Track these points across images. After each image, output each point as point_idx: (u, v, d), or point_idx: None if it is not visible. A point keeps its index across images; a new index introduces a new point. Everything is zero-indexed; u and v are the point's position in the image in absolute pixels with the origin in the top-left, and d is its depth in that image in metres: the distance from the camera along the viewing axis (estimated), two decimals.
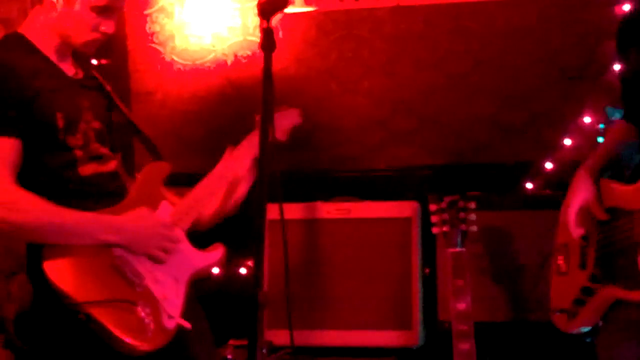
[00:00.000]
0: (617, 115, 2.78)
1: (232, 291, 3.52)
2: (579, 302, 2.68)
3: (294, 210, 3.68)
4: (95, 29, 2.48)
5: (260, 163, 2.07)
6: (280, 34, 2.11)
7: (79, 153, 2.42)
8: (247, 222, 2.58)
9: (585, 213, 2.68)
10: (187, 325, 2.40)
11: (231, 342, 3.52)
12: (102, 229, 2.35)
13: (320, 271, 3.70)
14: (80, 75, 2.57)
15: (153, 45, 4.21)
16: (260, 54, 2.17)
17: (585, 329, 2.70)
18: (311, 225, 3.73)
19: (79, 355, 2.33)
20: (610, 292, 2.58)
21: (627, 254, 2.53)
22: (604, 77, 3.70)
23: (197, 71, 4.22)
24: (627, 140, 2.71)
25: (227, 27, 4.20)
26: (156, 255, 2.43)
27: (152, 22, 4.22)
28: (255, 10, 2.15)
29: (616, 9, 3.72)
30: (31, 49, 2.46)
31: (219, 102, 4.22)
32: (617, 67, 3.67)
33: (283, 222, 2.22)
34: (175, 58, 4.23)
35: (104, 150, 2.50)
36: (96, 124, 2.50)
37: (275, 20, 2.13)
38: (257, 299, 2.03)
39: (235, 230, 2.69)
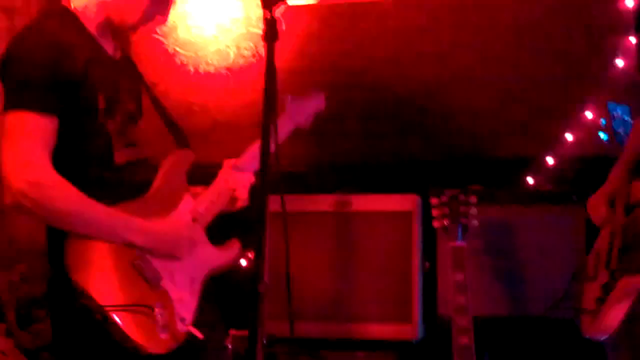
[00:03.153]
0: (618, 111, 2.78)
1: (232, 281, 3.52)
2: (600, 301, 2.66)
3: (295, 203, 3.66)
4: (151, 15, 2.42)
5: (263, 154, 2.06)
6: (283, 26, 2.09)
7: (115, 139, 2.35)
8: (248, 214, 2.61)
9: (611, 212, 2.68)
10: (199, 335, 2.36)
11: (232, 332, 3.52)
12: (131, 231, 2.29)
13: (321, 263, 3.70)
14: (119, 55, 2.51)
15: (156, 36, 4.20)
16: (262, 46, 2.16)
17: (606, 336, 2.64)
18: (312, 217, 3.73)
19: (87, 345, 2.29)
20: (627, 282, 2.57)
21: None
22: (607, 73, 3.70)
23: (199, 63, 4.22)
24: None
25: (230, 18, 4.19)
26: (177, 257, 2.39)
27: None
28: (258, 2, 2.14)
29: (620, 4, 3.72)
30: (76, 24, 2.38)
31: (222, 93, 4.22)
32: (619, 62, 3.69)
33: (285, 214, 2.21)
34: (178, 49, 4.23)
35: (137, 136, 2.43)
36: (132, 106, 2.44)
37: (278, 12, 2.12)
38: (258, 290, 2.03)
39: (237, 221, 2.69)
